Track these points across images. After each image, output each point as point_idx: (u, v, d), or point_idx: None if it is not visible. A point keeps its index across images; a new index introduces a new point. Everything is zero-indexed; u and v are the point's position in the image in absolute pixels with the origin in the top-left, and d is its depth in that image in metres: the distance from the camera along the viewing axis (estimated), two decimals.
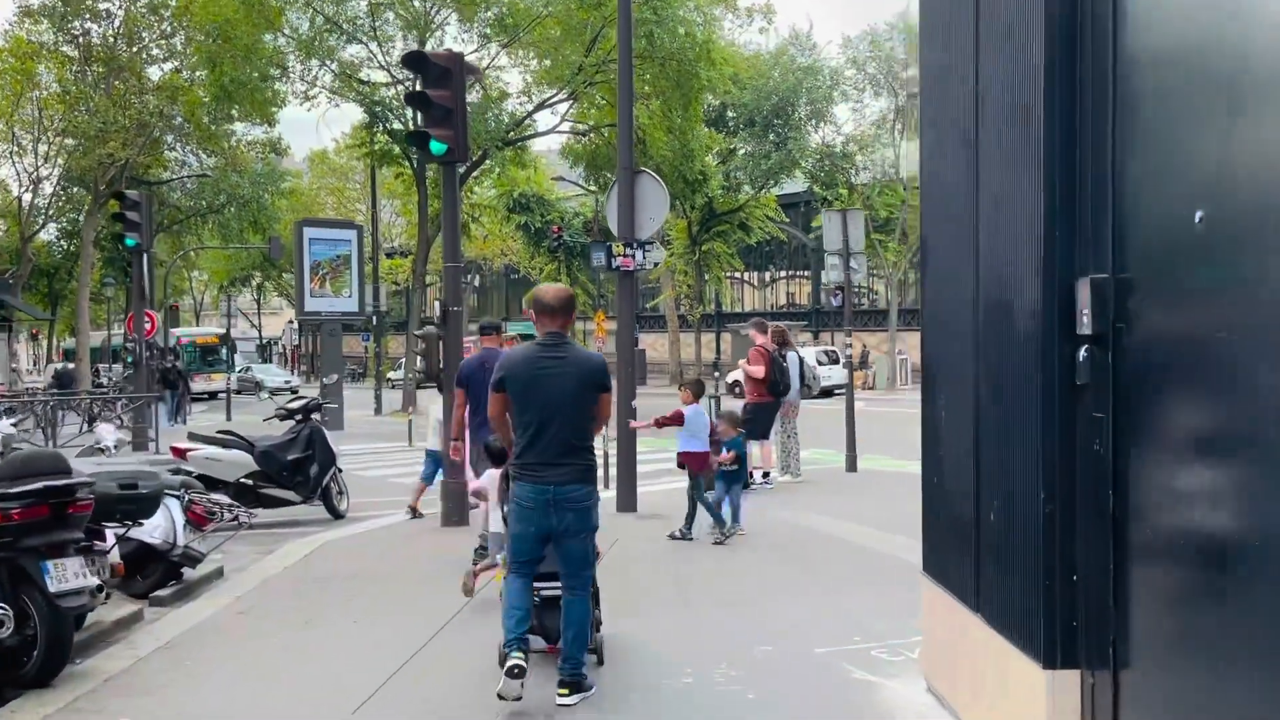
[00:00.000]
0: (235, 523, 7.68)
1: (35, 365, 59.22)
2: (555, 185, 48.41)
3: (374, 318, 29.45)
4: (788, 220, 42.78)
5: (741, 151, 37.96)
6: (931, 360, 4.49)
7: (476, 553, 6.64)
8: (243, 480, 9.65)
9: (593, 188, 42.03)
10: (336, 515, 10.41)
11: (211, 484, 9.58)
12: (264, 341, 62.86)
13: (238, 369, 50.81)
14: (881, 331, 42.02)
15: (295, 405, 10.40)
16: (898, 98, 35.39)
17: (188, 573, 7.44)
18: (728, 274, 44.08)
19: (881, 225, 36.63)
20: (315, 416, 10.38)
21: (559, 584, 4.75)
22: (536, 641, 4.97)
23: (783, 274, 50.54)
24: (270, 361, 57.22)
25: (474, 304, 64.41)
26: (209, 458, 9.53)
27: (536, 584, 4.85)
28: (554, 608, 4.85)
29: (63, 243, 49.03)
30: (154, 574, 7.18)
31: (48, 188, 42.85)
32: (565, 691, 4.47)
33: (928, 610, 4.56)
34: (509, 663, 4.42)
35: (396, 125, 26.60)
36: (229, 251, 60.22)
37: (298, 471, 10.00)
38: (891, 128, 36.02)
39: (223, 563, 8.26)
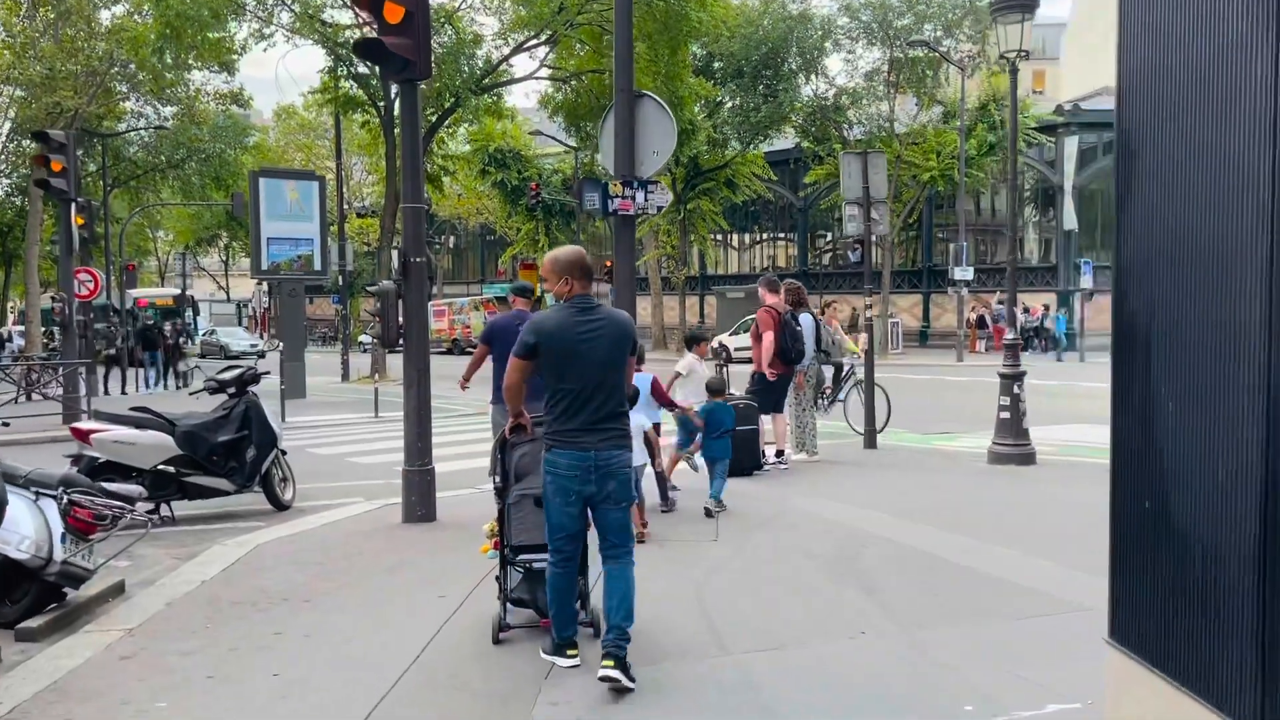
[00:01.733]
0: (135, 526, 6.03)
1: None
2: (533, 141, 46.38)
3: (341, 277, 27.52)
4: (775, 178, 41.08)
5: (729, 104, 36.12)
6: (1141, 331, 2.89)
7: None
8: (162, 467, 7.99)
9: (573, 144, 40.17)
10: (280, 506, 8.79)
11: (124, 472, 7.93)
12: (239, 304, 60.64)
13: (201, 332, 48.76)
14: (871, 294, 40.51)
15: (227, 376, 8.72)
16: (892, 48, 33.61)
17: (73, 593, 5.82)
18: (713, 234, 42.36)
19: None
20: (252, 390, 8.69)
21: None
22: (523, 613, 5.01)
23: (767, 235, 48.90)
24: (241, 324, 55.00)
25: (448, 265, 62.48)
26: (119, 440, 7.84)
27: (527, 556, 4.89)
28: (545, 580, 4.63)
29: (14, 199, 46.66)
30: (24, 597, 5.57)
31: None
32: (611, 664, 4.22)
33: (1125, 697, 3.00)
34: (568, 663, 4.49)
35: (362, 69, 24.59)
36: (192, 210, 57.97)
37: (230, 455, 8.34)
38: (885, 80, 34.26)
39: (127, 573, 6.64)
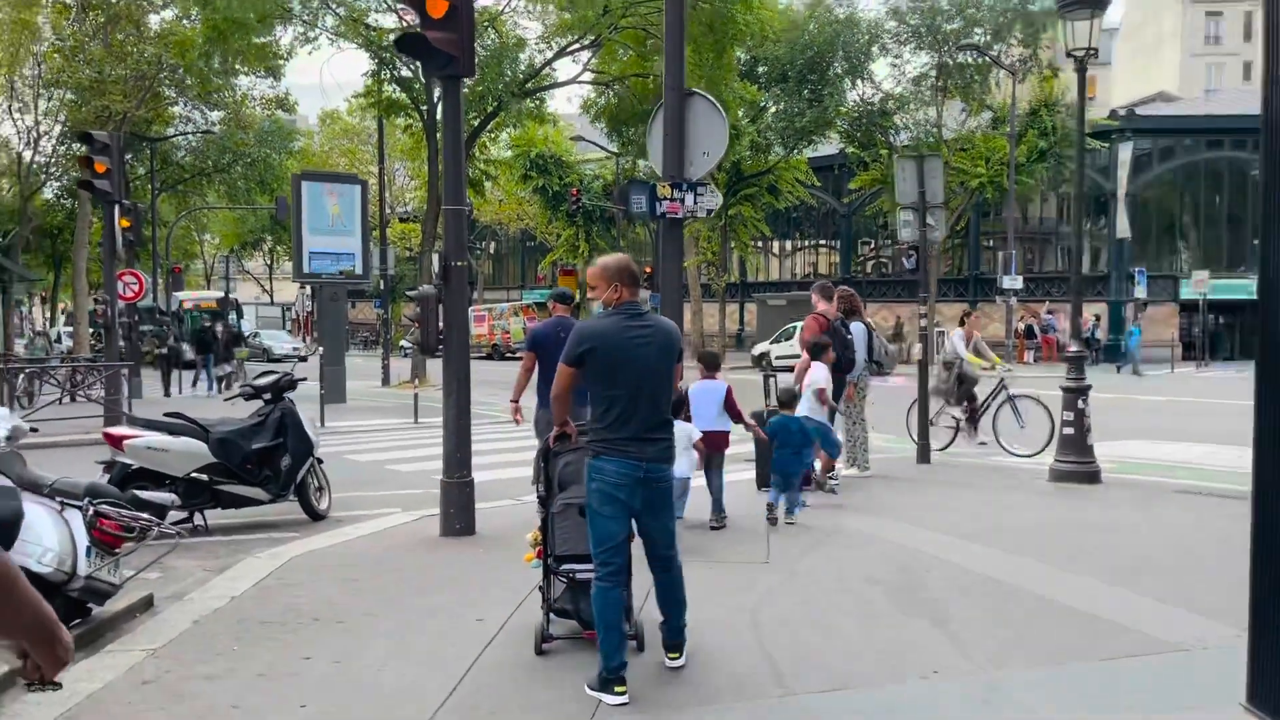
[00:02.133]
0: (165, 537, 5.79)
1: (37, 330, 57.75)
2: (575, 146, 46.24)
3: (382, 281, 27.44)
4: (819, 184, 40.54)
5: (773, 110, 35.66)
6: None
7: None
8: (195, 475, 7.76)
9: (614, 150, 39.95)
10: (315, 516, 8.54)
11: (157, 479, 7.72)
12: (284, 307, 61.14)
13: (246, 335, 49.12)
14: (916, 303, 39.86)
15: (264, 381, 8.48)
16: (941, 52, 33.02)
17: (98, 609, 5.58)
18: (755, 240, 41.88)
19: None
20: (288, 396, 8.45)
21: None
22: (566, 624, 4.96)
23: (809, 242, 48.34)
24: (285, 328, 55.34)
25: (489, 271, 62.54)
26: (151, 447, 7.62)
27: (570, 566, 4.79)
28: (589, 591, 4.56)
29: (64, 201, 47.37)
30: None
31: (48, 145, 40.96)
32: (677, 655, 4.49)
33: None
34: (616, 700, 4.19)
35: (405, 73, 24.50)
36: (237, 214, 58.57)
37: (265, 463, 8.10)
38: (933, 85, 33.65)
39: (157, 586, 6.40)
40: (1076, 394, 9.95)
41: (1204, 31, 65.74)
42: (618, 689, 4.22)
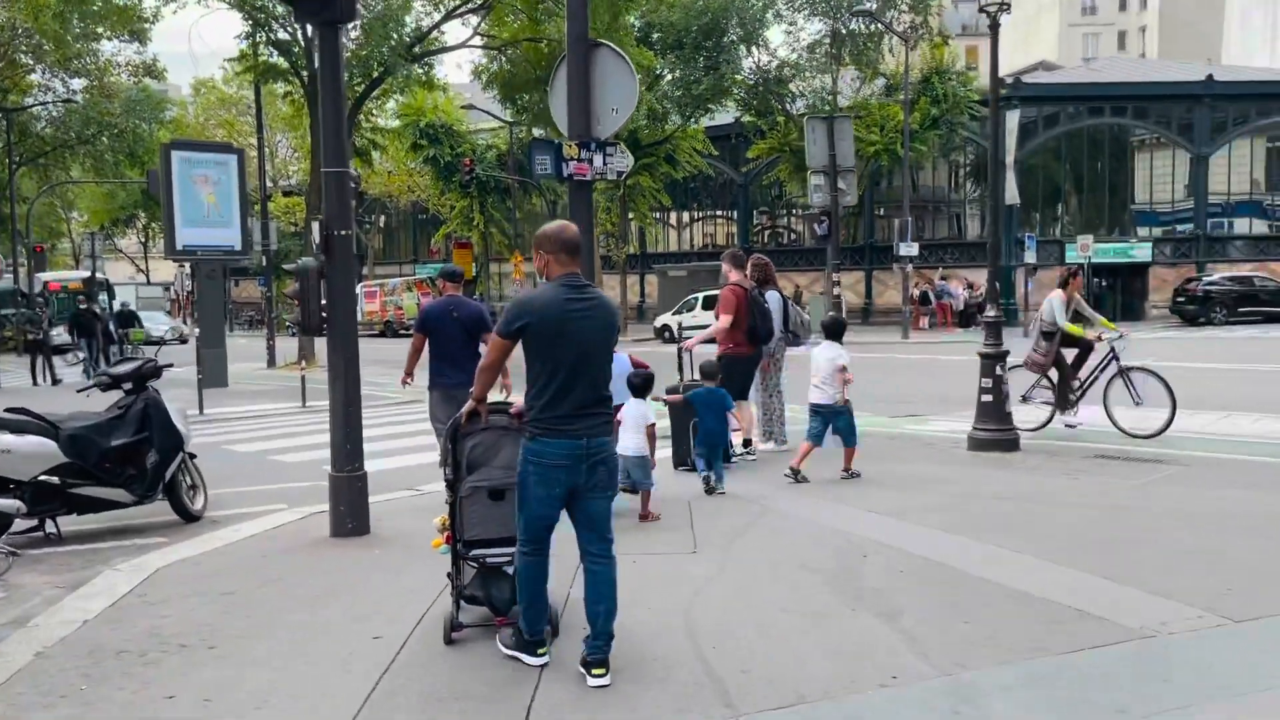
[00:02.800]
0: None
1: None
2: (466, 115, 44.90)
3: (265, 257, 26.00)
4: (716, 154, 40.22)
5: (668, 77, 35.07)
6: None
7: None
8: (44, 478, 6.81)
9: (508, 119, 38.84)
10: (189, 517, 7.68)
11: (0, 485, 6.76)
12: (165, 286, 58.12)
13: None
14: (814, 271, 40.08)
15: (123, 369, 7.55)
16: (835, 19, 32.89)
17: None
18: (654, 210, 41.39)
19: None
20: (152, 385, 7.55)
21: (510, 550, 4.51)
22: (477, 611, 4.78)
23: (707, 213, 48.11)
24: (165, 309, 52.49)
25: (379, 245, 60.58)
26: None
27: (480, 550, 4.64)
28: (501, 576, 4.67)
29: None
30: None
31: None
32: (601, 671, 4.09)
33: None
34: (537, 661, 4.26)
35: (283, 35, 23.08)
36: (106, 189, 55.35)
37: (127, 461, 7.20)
38: (827, 52, 33.54)
39: (9, 596, 5.54)
40: (994, 360, 9.71)
41: (1080, 2, 67.64)
42: (539, 650, 4.26)
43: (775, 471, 8.93)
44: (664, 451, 9.37)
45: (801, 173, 35.24)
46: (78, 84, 38.68)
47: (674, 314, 34.32)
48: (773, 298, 9.76)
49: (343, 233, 6.58)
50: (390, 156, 43.93)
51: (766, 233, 46.57)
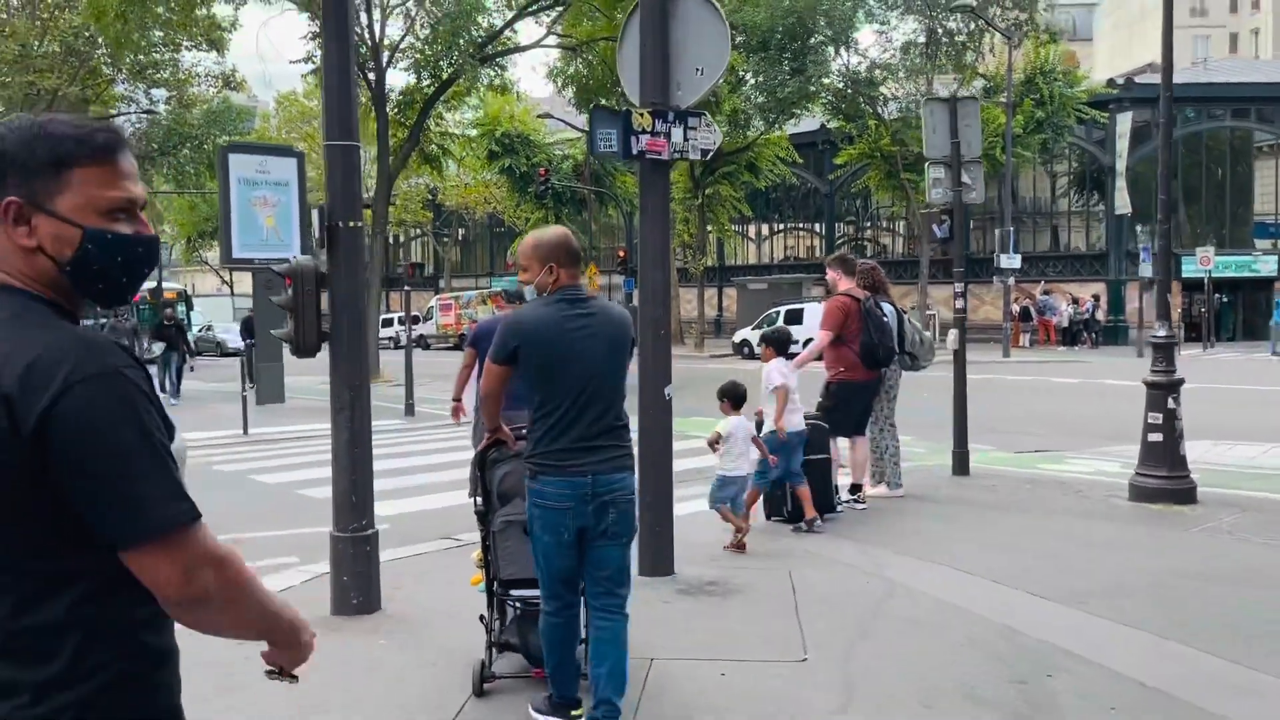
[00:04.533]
0: None
1: None
2: (543, 125, 43.88)
3: None
4: (801, 161, 38.38)
5: (751, 81, 33.43)
6: None
7: None
8: None
9: (584, 127, 37.67)
10: None
11: None
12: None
13: (197, 328, 46.42)
14: (904, 285, 37.89)
15: None
16: (930, 17, 30.90)
17: None
18: (735, 221, 39.71)
19: (911, 164, 32.37)
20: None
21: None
22: (513, 660, 4.30)
23: (789, 224, 46.20)
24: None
25: (456, 258, 59.98)
26: None
27: (518, 592, 4.18)
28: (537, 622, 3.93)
29: None
30: None
31: None
32: None
33: None
34: None
35: None
36: (189, 201, 55.79)
37: None
38: (923, 52, 31.53)
39: None
40: (1166, 391, 7.85)
41: (1190, 4, 64.11)
42: (574, 713, 3.75)
43: (890, 526, 7.25)
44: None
45: (893, 179, 33.32)
46: (159, 94, 38.67)
47: (753, 328, 32.58)
48: (888, 312, 8.08)
49: (350, 224, 5.12)
50: (467, 167, 43.12)
51: (850, 245, 44.53)
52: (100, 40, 34.36)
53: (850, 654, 4.52)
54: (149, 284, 48.71)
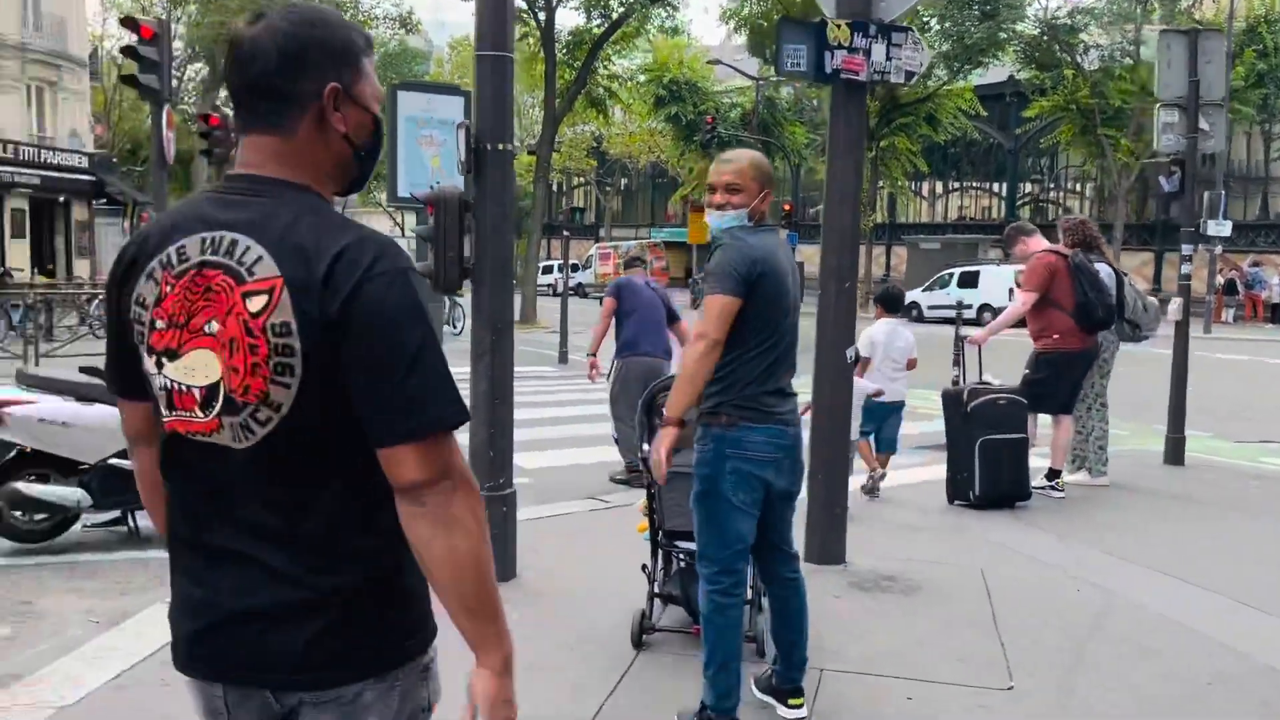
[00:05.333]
0: None
1: None
2: (712, 72, 42.73)
3: None
4: (985, 113, 35.98)
5: (935, 26, 31.39)
6: None
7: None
8: (116, 461, 5.23)
9: (755, 73, 36.45)
10: None
11: (63, 467, 5.25)
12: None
13: None
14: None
15: None
16: None
17: None
18: (909, 176, 37.72)
19: (1111, 118, 29.83)
20: None
21: None
22: (673, 613, 4.19)
23: (966, 182, 43.66)
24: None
25: (617, 208, 59.80)
26: (48, 420, 5.11)
27: (685, 545, 3.97)
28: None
29: (190, 125, 46.99)
30: None
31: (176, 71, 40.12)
32: (798, 702, 3.40)
33: None
34: None
35: None
36: None
37: None
38: None
39: (23, 634, 3.94)
40: None
41: None
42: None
43: (1090, 517, 6.29)
44: (918, 470, 6.88)
45: (1087, 135, 30.81)
46: None
47: (923, 290, 30.96)
48: (1104, 272, 7.00)
49: (500, 147, 4.54)
50: (634, 113, 42.54)
51: (1033, 205, 41.75)
52: None
53: (1069, 686, 3.70)
54: None
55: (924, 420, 10.40)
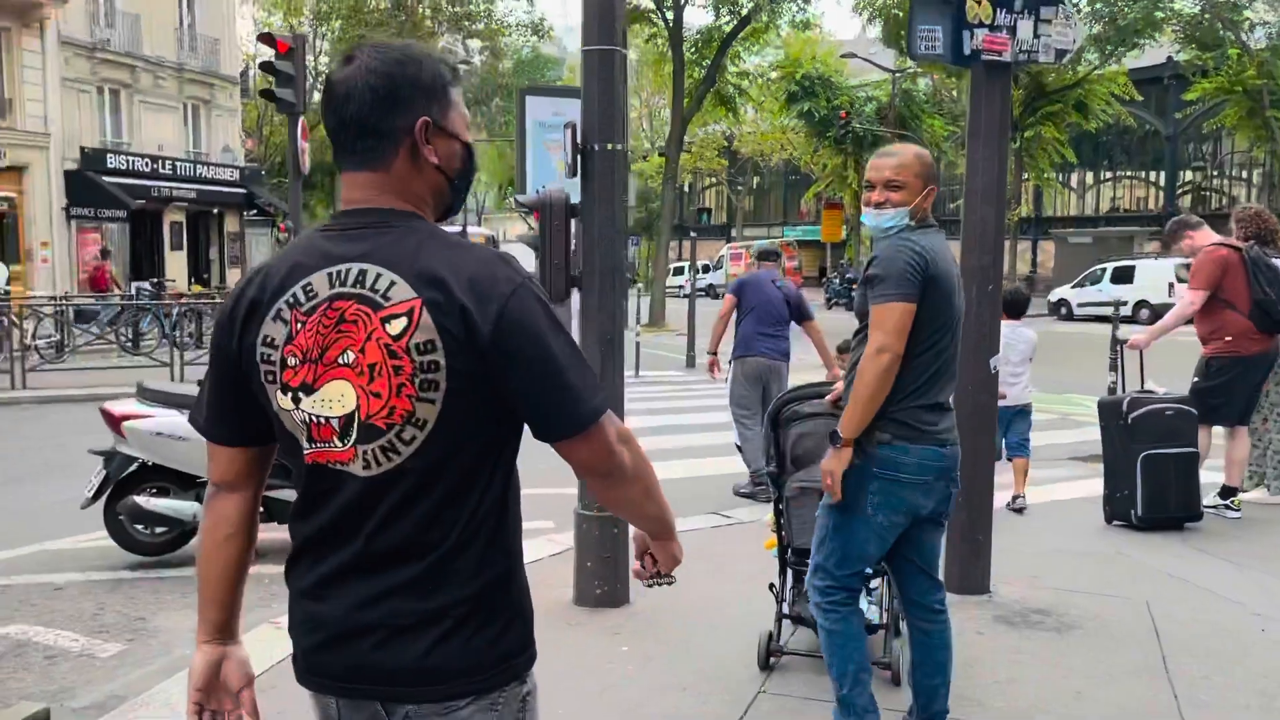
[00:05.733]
0: None
1: None
2: (846, 65, 41.72)
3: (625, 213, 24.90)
4: (1140, 99, 33.91)
5: (1085, 7, 29.72)
6: None
7: None
8: None
9: (889, 66, 35.38)
10: None
11: (182, 480, 5.26)
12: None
13: None
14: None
15: None
16: None
17: None
18: (1056, 167, 35.91)
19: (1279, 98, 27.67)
20: None
21: None
22: (803, 636, 3.91)
23: (1116, 172, 41.26)
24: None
25: (749, 207, 59.17)
26: (162, 433, 5.11)
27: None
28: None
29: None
30: None
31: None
32: None
33: None
34: None
35: None
36: (499, 148, 58.58)
37: None
38: None
39: (81, 687, 3.89)
40: None
41: None
42: None
43: (1275, 542, 5.59)
44: (1071, 487, 6.26)
45: (1254, 118, 28.69)
46: (474, 45, 40.46)
47: (1073, 286, 29.40)
48: None
49: (609, 147, 4.28)
50: (765, 110, 41.92)
51: (1195, 195, 39.14)
52: None
53: None
54: (454, 228, 52.27)
55: (1076, 428, 9.67)
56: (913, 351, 2.91)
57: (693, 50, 23.16)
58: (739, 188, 56.40)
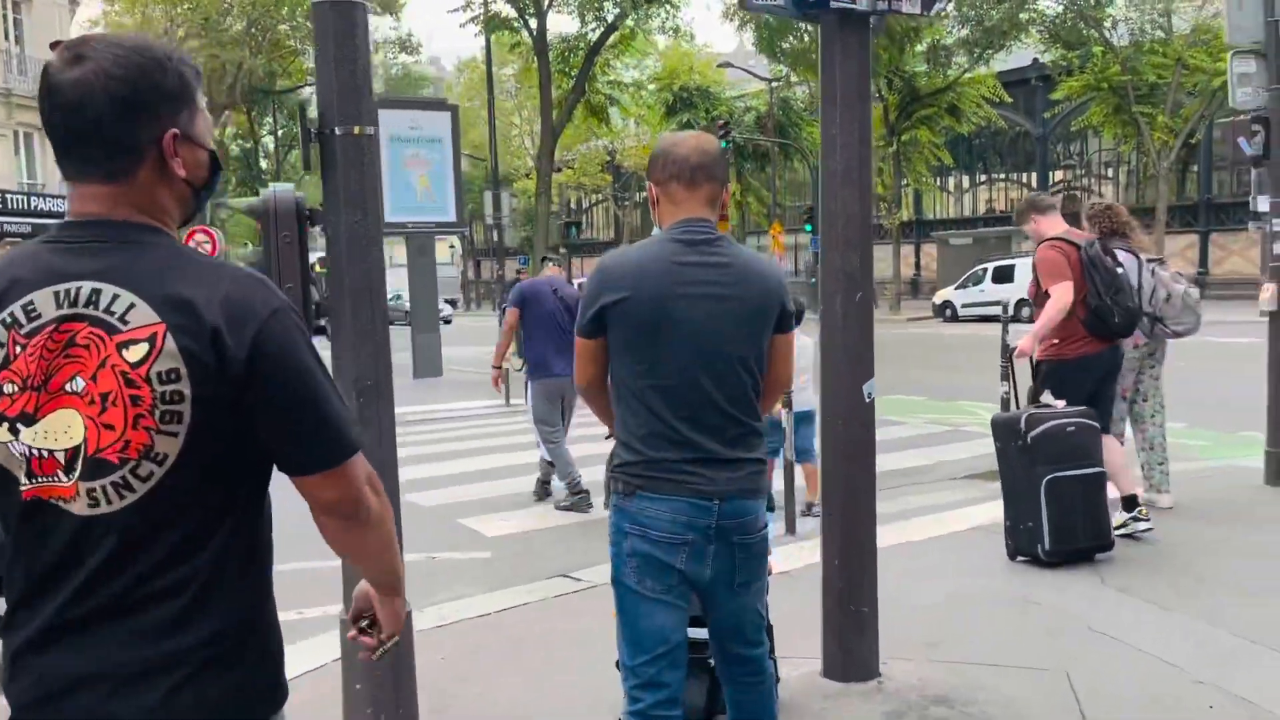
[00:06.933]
0: None
1: None
2: (724, 76, 41.54)
3: (496, 231, 23.79)
4: (1010, 101, 34.41)
5: (953, 11, 29.90)
6: None
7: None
8: None
9: (767, 75, 35.21)
10: None
11: None
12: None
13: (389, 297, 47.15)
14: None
15: None
16: None
17: None
18: (934, 171, 36.21)
19: (1145, 95, 28.22)
20: None
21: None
22: None
23: (994, 173, 41.98)
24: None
25: (636, 222, 58.60)
26: None
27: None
28: (695, 672, 3.03)
29: None
30: None
31: None
32: None
33: None
34: None
35: None
36: None
37: None
38: None
39: None
40: None
41: None
42: None
43: (1205, 571, 4.85)
44: (968, 515, 5.45)
45: (1120, 115, 29.23)
46: None
47: (956, 288, 29.48)
48: (1128, 262, 5.62)
49: (354, 130, 3.22)
50: (646, 124, 41.43)
51: (1065, 193, 40.02)
52: (283, 11, 34.55)
53: None
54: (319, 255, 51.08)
55: (968, 439, 8.97)
56: (629, 386, 2.51)
57: (560, 61, 22.26)
58: (625, 203, 55.82)
